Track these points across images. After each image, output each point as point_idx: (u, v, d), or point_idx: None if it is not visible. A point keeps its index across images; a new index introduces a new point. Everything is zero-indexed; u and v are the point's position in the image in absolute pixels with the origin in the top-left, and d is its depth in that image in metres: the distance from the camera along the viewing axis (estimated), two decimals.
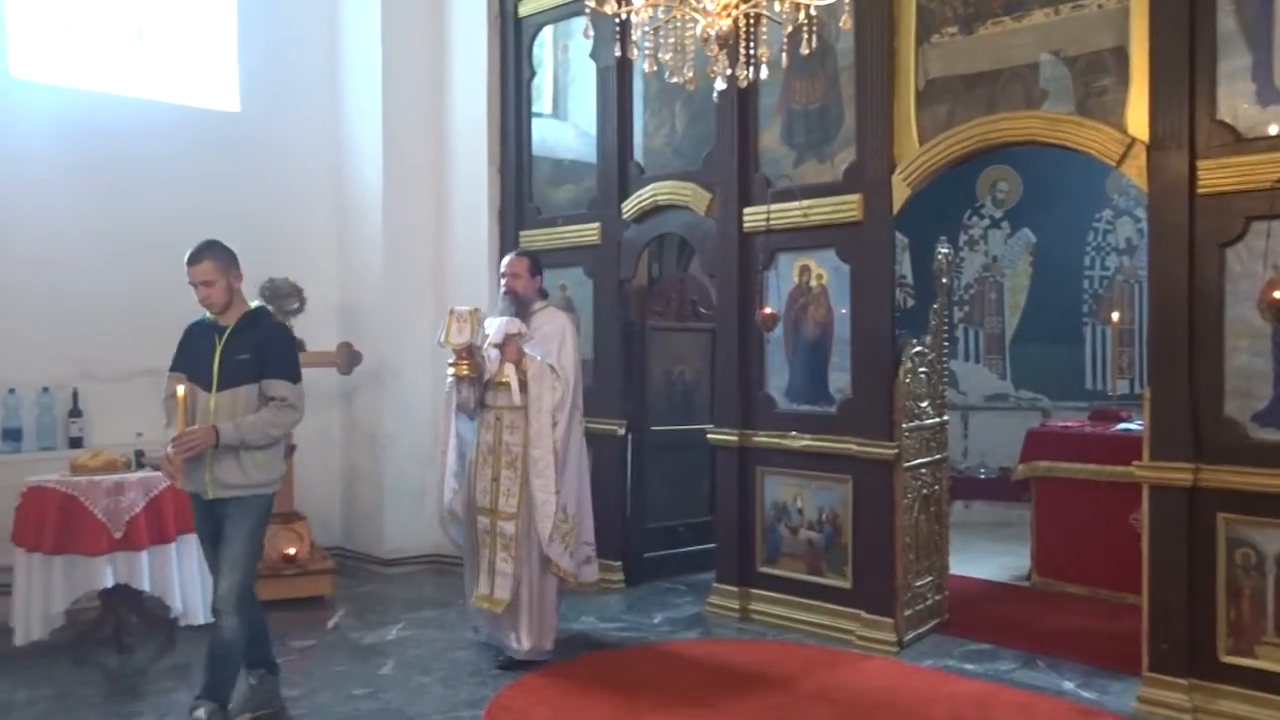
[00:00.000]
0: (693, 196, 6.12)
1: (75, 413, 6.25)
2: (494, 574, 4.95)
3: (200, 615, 5.45)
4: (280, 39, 7.31)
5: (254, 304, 4.32)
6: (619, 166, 6.56)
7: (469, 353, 4.89)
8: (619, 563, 6.58)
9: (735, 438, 5.87)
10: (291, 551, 6.23)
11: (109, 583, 5.23)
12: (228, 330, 4.14)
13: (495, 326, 4.98)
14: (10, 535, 5.27)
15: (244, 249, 6.71)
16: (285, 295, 6.43)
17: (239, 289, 4.22)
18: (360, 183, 7.43)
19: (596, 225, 6.68)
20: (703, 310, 7.11)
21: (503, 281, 5.20)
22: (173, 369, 4.24)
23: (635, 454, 6.69)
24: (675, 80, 3.36)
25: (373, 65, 7.27)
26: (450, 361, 4.98)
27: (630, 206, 6.48)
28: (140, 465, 5.56)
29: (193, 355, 4.18)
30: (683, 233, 6.49)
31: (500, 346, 4.92)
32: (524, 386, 4.91)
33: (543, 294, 5.31)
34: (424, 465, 7.29)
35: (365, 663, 5.14)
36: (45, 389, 6.17)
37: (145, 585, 5.32)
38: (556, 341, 5.05)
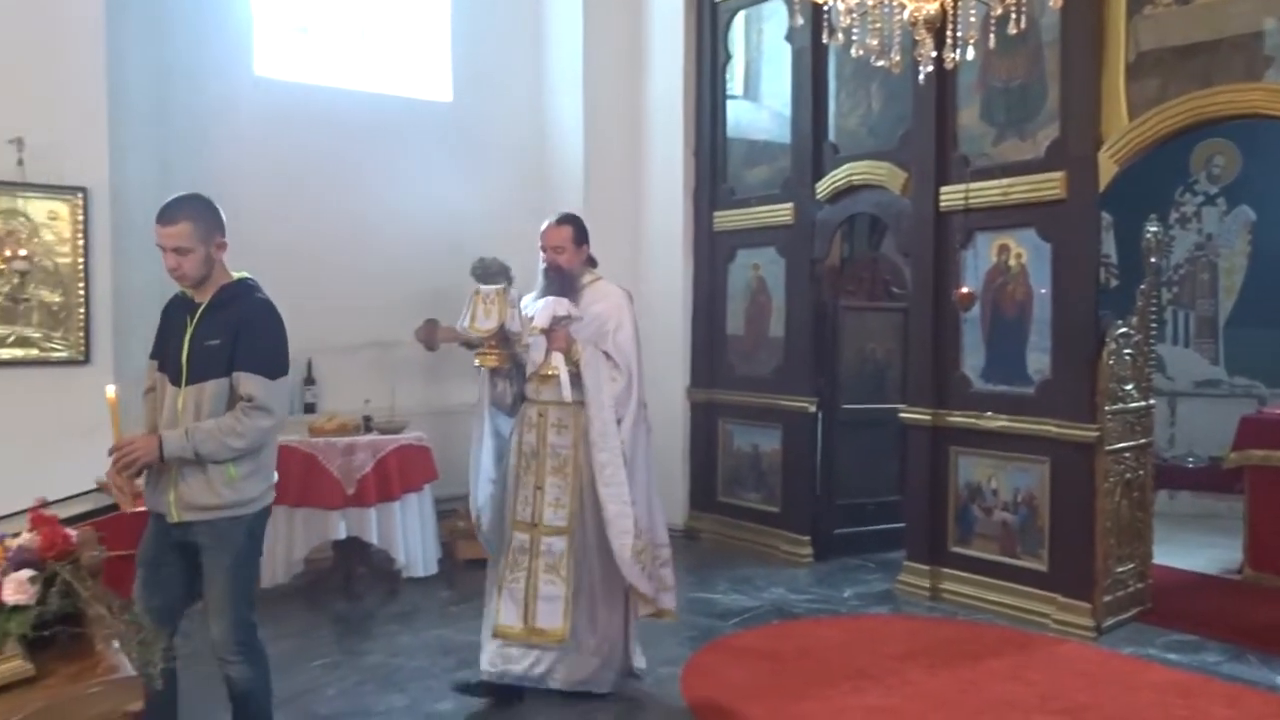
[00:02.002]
0: (888, 176, 6.13)
1: (309, 381, 6.86)
2: (534, 601, 4.12)
3: (421, 568, 5.94)
4: (489, 32, 7.73)
5: (238, 274, 3.31)
6: (813, 147, 6.63)
7: (499, 339, 4.11)
8: (807, 537, 6.70)
9: (928, 417, 5.87)
10: None
11: (341, 535, 5.77)
12: (200, 308, 3.20)
13: (539, 308, 4.16)
14: None
15: (453, 229, 7.32)
16: (494, 274, 6.72)
17: (221, 259, 3.25)
18: (561, 165, 7.78)
19: (790, 205, 6.78)
20: (895, 290, 7.11)
21: (543, 256, 4.36)
22: (151, 355, 3.40)
23: (826, 432, 6.78)
24: (880, 64, 3.44)
25: (574, 53, 7.59)
26: (477, 350, 4.22)
27: (824, 186, 6.55)
28: (368, 429, 6.07)
29: (165, 339, 3.32)
30: (877, 212, 6.51)
31: (547, 332, 4.12)
32: (575, 379, 4.13)
33: (591, 263, 4.45)
34: None
35: None
36: None
37: (373, 538, 5.84)
38: (613, 322, 4.22)
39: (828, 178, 6.53)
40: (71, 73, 5.00)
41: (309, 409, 6.79)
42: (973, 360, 5.77)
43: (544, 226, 4.39)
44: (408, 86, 7.51)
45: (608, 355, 4.16)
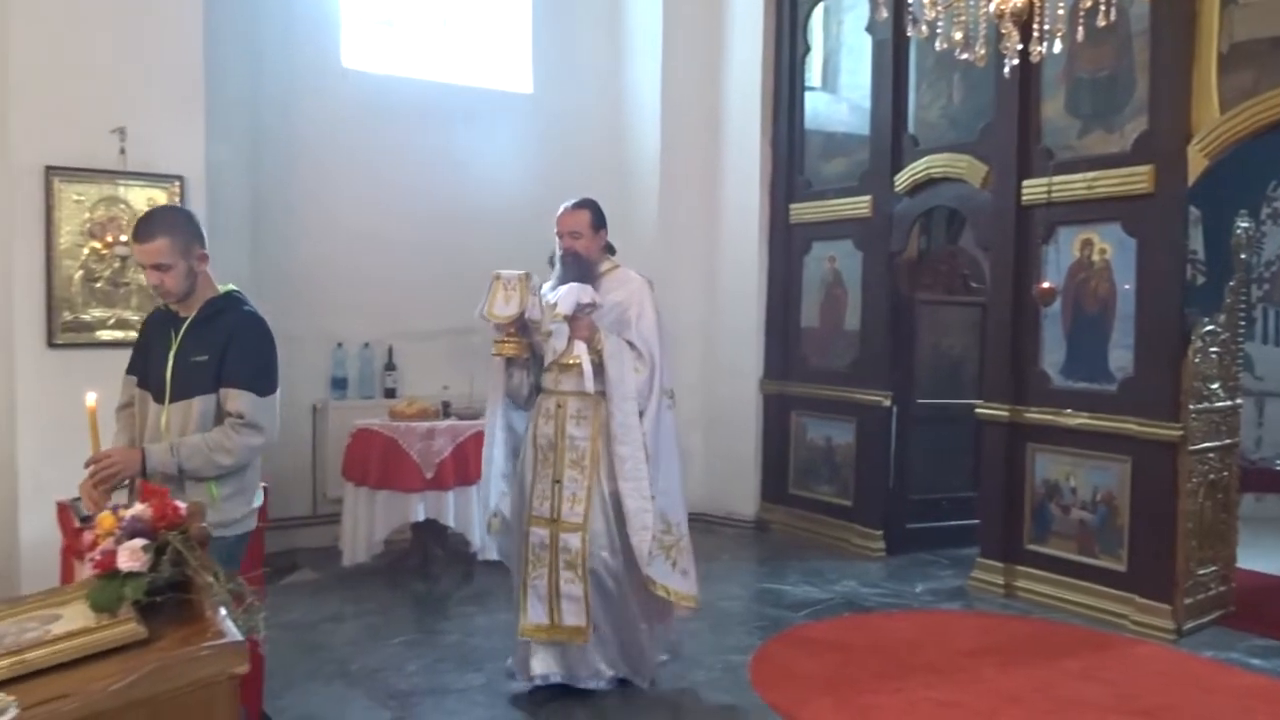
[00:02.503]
0: (968, 169, 6.07)
1: (390, 366, 7.02)
2: (557, 598, 4.04)
3: (495, 552, 6.03)
4: (569, 22, 7.80)
5: (225, 287, 3.18)
6: (892, 139, 6.58)
7: (518, 327, 4.01)
8: (879, 531, 6.68)
9: (1005, 413, 5.81)
10: None
11: (420, 517, 5.91)
12: (186, 323, 3.06)
13: (560, 295, 3.97)
14: (341, 470, 6.05)
15: (532, 218, 7.39)
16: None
17: (205, 272, 3.10)
18: (638, 156, 7.83)
19: (868, 198, 6.74)
20: (974, 284, 7.04)
21: (559, 242, 4.20)
22: (128, 370, 3.25)
23: (900, 426, 6.74)
24: (965, 57, 3.42)
25: (653, 45, 7.64)
26: (495, 339, 4.08)
27: (903, 179, 6.50)
28: (447, 415, 6.21)
29: (146, 354, 3.18)
30: (956, 205, 6.45)
31: (570, 320, 3.96)
32: (598, 369, 3.99)
33: (609, 250, 4.31)
34: (691, 429, 7.66)
35: None
36: (366, 344, 6.97)
37: (450, 521, 5.99)
38: (635, 310, 4.09)
39: (906, 170, 6.48)
40: (170, 66, 5.17)
41: (389, 394, 6.96)
42: (1052, 356, 5.69)
43: (560, 211, 4.22)
44: (489, 78, 7.62)
45: (631, 344, 4.03)
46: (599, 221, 4.18)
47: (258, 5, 6.36)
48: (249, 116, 6.26)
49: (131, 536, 2.07)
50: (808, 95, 7.38)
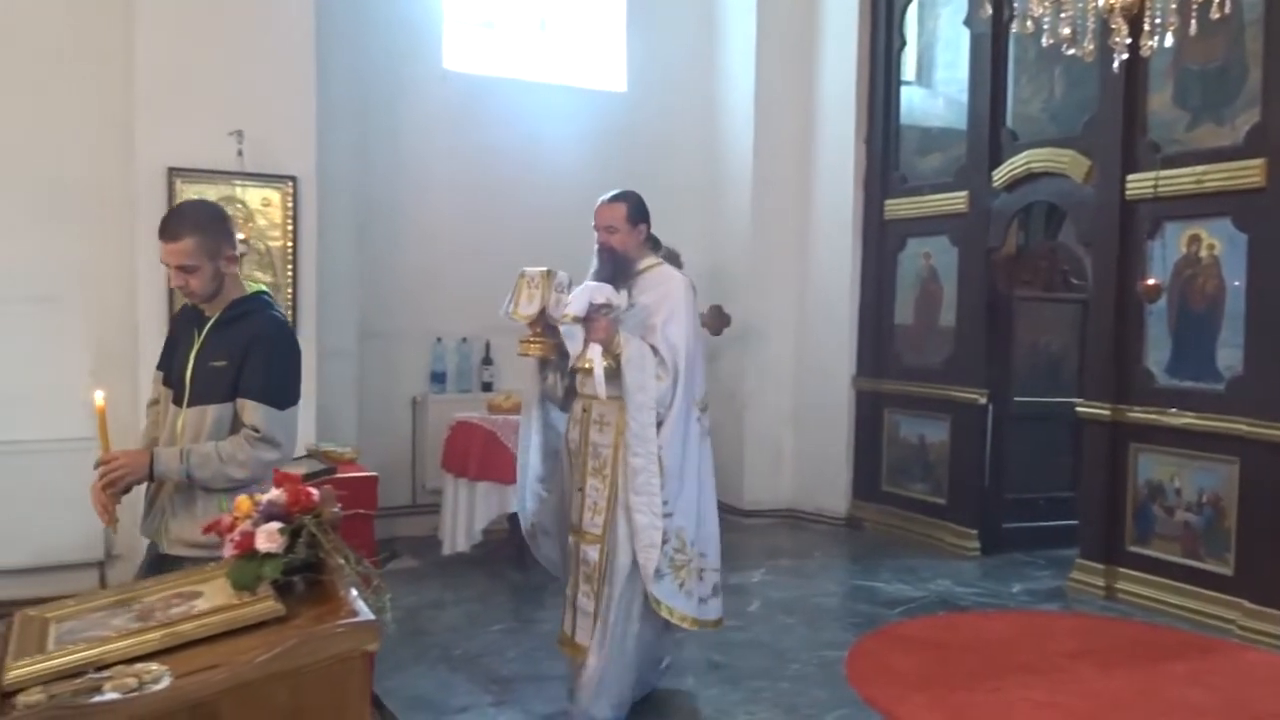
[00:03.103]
0: (1070, 163, 5.96)
1: (487, 361, 7.19)
2: (575, 611, 3.94)
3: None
4: (663, 21, 7.87)
5: (253, 288, 2.99)
6: (990, 133, 6.50)
7: (545, 327, 3.81)
8: (974, 531, 6.61)
9: (1107, 412, 5.71)
10: None
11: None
12: (209, 323, 2.88)
13: (574, 294, 3.73)
14: (440, 461, 6.22)
15: None
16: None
17: (233, 273, 2.91)
18: (731, 153, 7.86)
19: (964, 193, 6.67)
20: (1074, 280, 6.91)
21: (597, 237, 3.94)
22: (158, 365, 3.09)
23: (996, 424, 6.66)
24: (1072, 52, 3.39)
25: (747, 42, 7.65)
26: (521, 339, 3.92)
27: (1001, 174, 6.42)
28: None
29: (171, 351, 3.00)
30: (1056, 200, 6.34)
31: (585, 321, 3.68)
32: (613, 374, 3.70)
33: (653, 244, 4.03)
34: (782, 425, 7.71)
35: (735, 600, 5.53)
36: (464, 339, 7.14)
37: None
38: (663, 314, 3.77)
39: (1005, 165, 6.39)
40: (284, 70, 5.38)
41: (485, 388, 7.13)
42: (1157, 354, 5.57)
43: (597, 204, 3.94)
44: (584, 78, 7.73)
45: (655, 349, 3.70)
46: (637, 215, 3.87)
47: (364, 10, 6.55)
48: (355, 118, 6.45)
49: (268, 520, 2.20)
50: (903, 90, 7.32)
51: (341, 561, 2.16)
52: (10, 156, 5.24)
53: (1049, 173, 6.14)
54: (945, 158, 6.95)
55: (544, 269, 3.82)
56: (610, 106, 7.70)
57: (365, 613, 2.00)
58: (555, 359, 3.90)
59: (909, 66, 7.41)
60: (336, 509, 2.23)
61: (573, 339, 3.69)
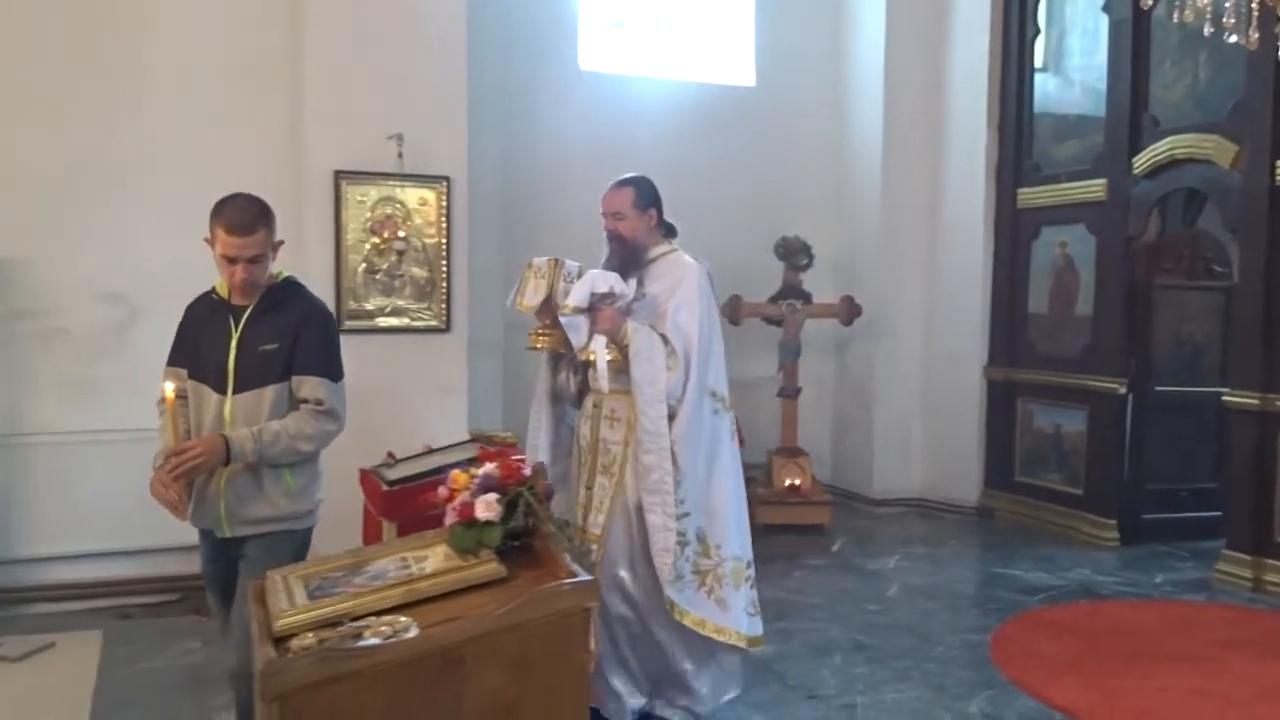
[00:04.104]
0: (1215, 149, 5.86)
1: None
2: None
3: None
4: (792, 14, 7.97)
5: (283, 274, 3.10)
6: (1130, 120, 6.42)
7: (554, 319, 3.57)
8: (1113, 521, 6.55)
9: (1256, 401, 5.61)
10: (796, 483, 6.95)
11: None
12: (247, 311, 2.98)
13: (578, 284, 3.52)
14: None
15: (755, 209, 7.64)
16: (796, 252, 7.11)
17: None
18: (859, 145, 7.91)
19: (1102, 181, 6.60)
20: (1217, 268, 6.78)
21: (604, 224, 3.77)
22: (169, 362, 3.11)
23: (1136, 414, 6.58)
24: (1233, 40, 3.40)
25: (876, 32, 7.69)
26: (529, 331, 3.73)
27: (1141, 161, 6.34)
28: None
29: (197, 345, 3.04)
30: (1201, 187, 6.24)
31: (589, 312, 3.47)
32: (621, 367, 3.50)
33: (668, 231, 3.77)
34: (911, 414, 7.75)
35: (872, 584, 5.69)
36: None
37: None
38: (675, 301, 3.52)
39: (1146, 152, 6.31)
40: (439, 75, 5.66)
41: None
42: None
43: (606, 190, 3.77)
44: (713, 73, 7.88)
45: (665, 339, 3.47)
46: (645, 200, 3.66)
47: (505, 14, 6.82)
48: (498, 119, 6.71)
49: (484, 491, 2.43)
50: (1037, 77, 7.27)
51: (554, 529, 2.38)
52: (186, 162, 5.64)
53: (1193, 159, 6.05)
54: (1082, 145, 6.88)
55: (551, 258, 3.63)
56: (739, 101, 7.84)
57: (583, 574, 2.20)
58: (566, 352, 3.67)
59: (1044, 53, 7.34)
60: (548, 481, 2.44)
61: (576, 330, 3.49)
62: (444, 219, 5.72)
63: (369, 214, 5.59)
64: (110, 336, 5.43)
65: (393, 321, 5.67)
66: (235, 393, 2.93)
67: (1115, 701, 4.08)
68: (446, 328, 5.77)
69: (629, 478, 3.53)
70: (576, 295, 3.46)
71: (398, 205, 5.64)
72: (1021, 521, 7.12)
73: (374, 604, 2.18)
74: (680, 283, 3.57)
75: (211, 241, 2.93)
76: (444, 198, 5.71)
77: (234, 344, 2.96)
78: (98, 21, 5.45)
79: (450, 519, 2.45)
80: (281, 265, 3.11)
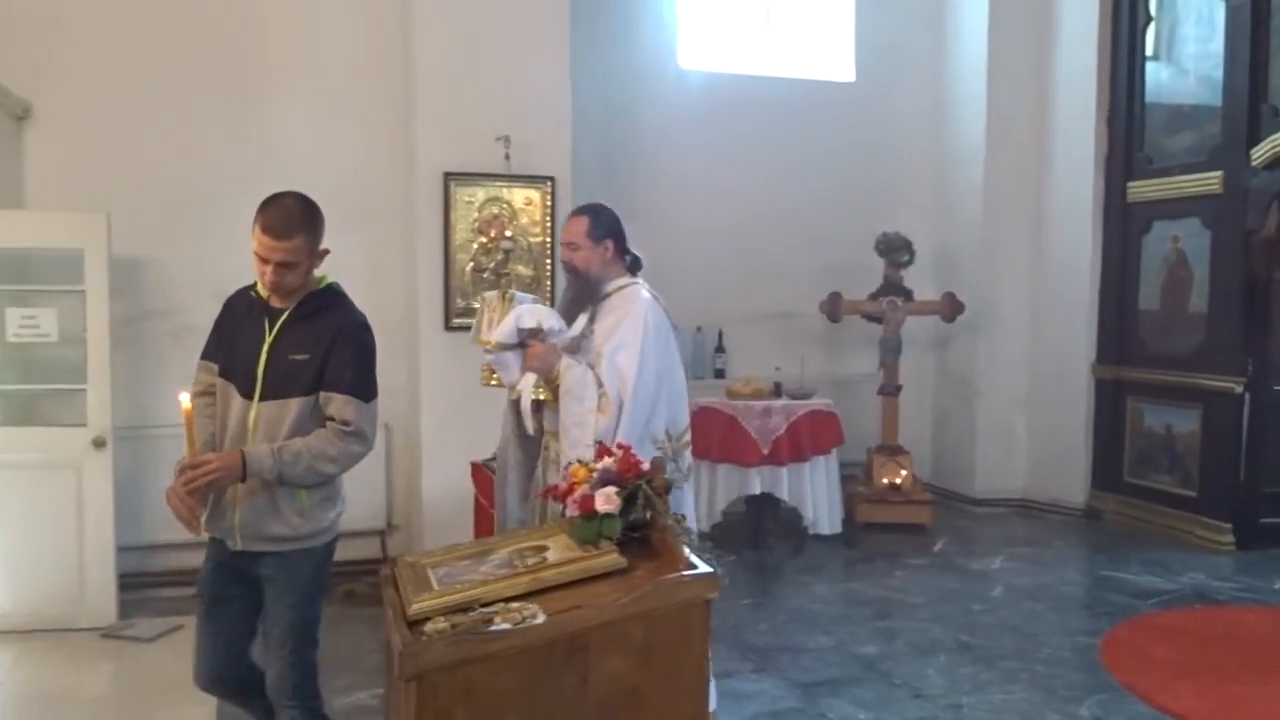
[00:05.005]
0: None
1: (720, 349, 7.46)
2: None
3: (826, 527, 6.35)
4: (893, 8, 7.89)
5: (325, 280, 2.93)
6: (1248, 110, 6.21)
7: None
8: (1229, 525, 6.35)
9: None
10: (896, 481, 6.90)
11: (756, 490, 6.30)
12: (284, 315, 2.83)
13: (506, 320, 3.31)
14: None
15: (854, 205, 7.62)
16: (897, 248, 7.06)
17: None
18: (962, 139, 7.80)
19: (1218, 174, 6.40)
20: None
21: (561, 254, 3.58)
22: (203, 356, 2.98)
23: (1253, 414, 6.37)
24: None
25: (979, 22, 7.58)
26: (483, 365, 3.50)
27: (1260, 152, 6.13)
28: (779, 394, 6.54)
29: (232, 342, 2.90)
30: None
31: (516, 348, 3.30)
32: (542, 405, 3.32)
33: (631, 264, 3.52)
34: (1015, 413, 7.62)
35: (976, 584, 5.63)
36: (698, 329, 7.43)
37: (784, 495, 6.33)
38: (614, 341, 3.26)
39: (1265, 143, 6.09)
40: (544, 77, 5.78)
41: (718, 374, 7.39)
42: None
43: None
44: (812, 69, 7.85)
45: (601, 382, 3.22)
46: (601, 231, 3.44)
47: (606, 14, 6.92)
48: (600, 119, 6.80)
49: (603, 484, 2.50)
50: (1147, 66, 7.07)
51: (672, 522, 2.44)
52: (303, 164, 5.85)
53: None
54: (1196, 137, 6.67)
55: (501, 291, 3.47)
56: (838, 96, 7.80)
57: (703, 566, 2.26)
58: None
59: (1156, 42, 7.14)
60: (666, 476, 2.51)
61: (504, 368, 3.35)
62: (548, 218, 5.84)
63: (476, 214, 5.74)
64: None
65: None
66: (262, 399, 2.78)
67: (1232, 709, 3.98)
68: None
69: None
70: (502, 331, 3.29)
71: (504, 205, 5.78)
72: (1131, 524, 6.95)
73: (501, 591, 2.26)
74: (624, 319, 3.29)
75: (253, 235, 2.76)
76: (548, 197, 5.83)
77: (266, 348, 2.80)
78: (221, 31, 5.74)
79: (571, 511, 2.52)
80: (326, 270, 2.92)
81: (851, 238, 7.41)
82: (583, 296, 3.44)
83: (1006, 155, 7.55)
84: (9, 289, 4.93)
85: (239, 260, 5.60)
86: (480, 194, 5.74)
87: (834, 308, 7.05)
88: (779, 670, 4.38)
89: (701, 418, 6.38)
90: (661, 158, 7.31)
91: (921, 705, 4.03)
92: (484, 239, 5.76)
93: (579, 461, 2.63)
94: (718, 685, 3.62)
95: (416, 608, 2.24)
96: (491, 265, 5.77)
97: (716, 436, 6.24)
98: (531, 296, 3.49)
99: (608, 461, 2.55)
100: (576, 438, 3.15)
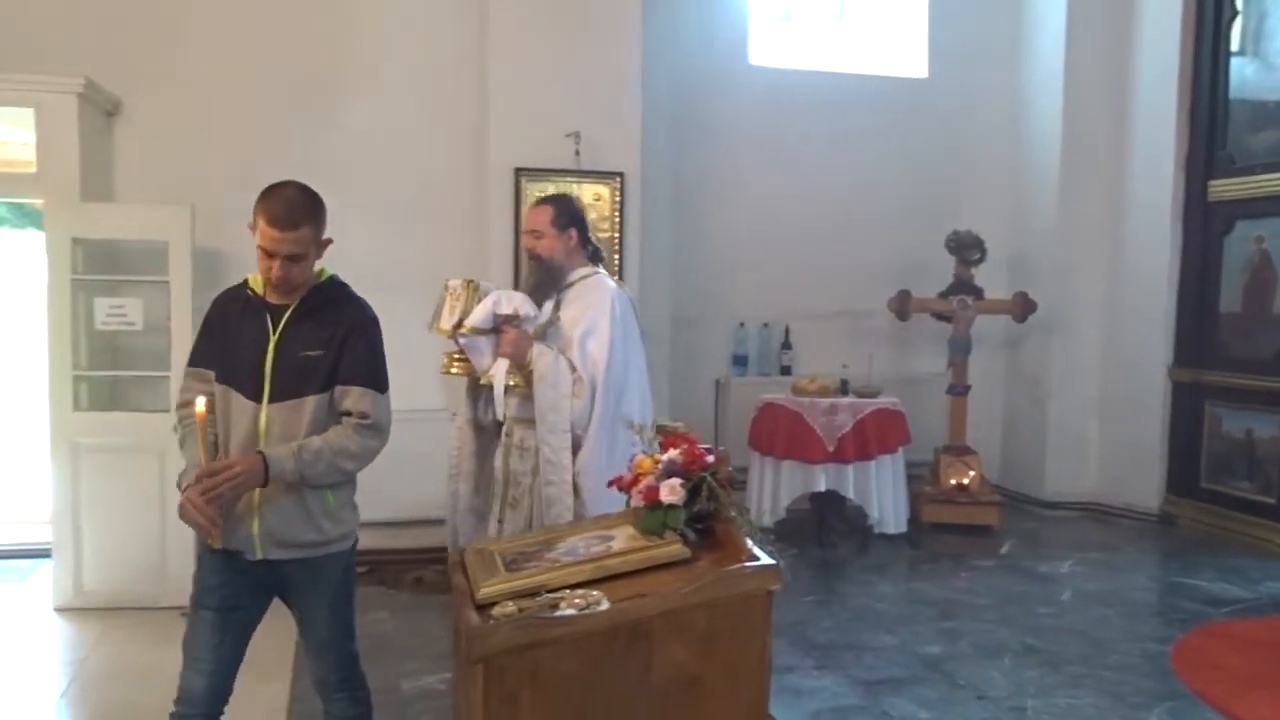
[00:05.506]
0: None
1: (786, 345, 7.44)
2: None
3: (892, 526, 6.31)
4: (966, 4, 7.79)
5: (325, 272, 2.81)
6: None
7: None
8: None
9: None
10: (964, 482, 6.82)
11: (821, 487, 6.28)
12: (288, 311, 2.71)
13: (481, 305, 3.30)
14: (746, 440, 6.53)
15: (926, 203, 7.56)
16: (969, 246, 6.98)
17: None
18: (1037, 135, 7.67)
19: None
20: None
21: (524, 242, 3.62)
22: (192, 362, 2.82)
23: None
24: None
25: (1057, 17, 7.43)
26: (444, 354, 3.50)
27: None
28: (846, 392, 6.51)
29: (228, 345, 2.74)
30: None
31: (489, 333, 3.30)
32: (525, 393, 3.34)
33: (593, 256, 3.59)
34: (1087, 415, 7.49)
35: (1044, 588, 5.55)
36: (765, 325, 7.42)
37: (849, 493, 6.30)
38: (583, 326, 3.36)
39: None
40: (614, 73, 5.85)
41: (784, 371, 7.38)
42: None
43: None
44: (883, 65, 7.79)
45: (573, 366, 3.31)
46: (566, 220, 3.49)
47: (677, 11, 6.93)
48: (670, 115, 6.83)
49: (668, 476, 2.53)
50: (1232, 62, 6.89)
51: (736, 514, 2.46)
52: (381, 160, 6.00)
53: None
54: None
55: (465, 279, 3.41)
56: (911, 92, 7.73)
57: (766, 558, 2.28)
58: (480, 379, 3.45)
59: (1241, 37, 6.95)
60: (730, 468, 2.53)
61: (477, 353, 3.34)
62: (617, 213, 5.90)
63: None
64: None
65: None
66: (272, 401, 2.65)
67: None
68: None
69: (535, 511, 3.35)
70: (477, 316, 3.28)
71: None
72: (1206, 530, 6.78)
73: (567, 578, 2.31)
74: (590, 308, 3.38)
75: (253, 229, 2.64)
76: (617, 193, 5.89)
77: (272, 348, 2.67)
78: (305, 32, 5.91)
79: (636, 501, 2.56)
80: (325, 263, 2.80)
81: (921, 235, 7.34)
82: (546, 284, 3.49)
83: (1083, 152, 7.41)
84: (98, 279, 5.12)
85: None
86: (550, 189, 5.79)
87: (903, 306, 6.99)
88: (841, 668, 4.37)
89: (767, 414, 6.40)
90: (732, 154, 7.32)
91: (985, 707, 3.99)
92: None
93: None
94: (778, 681, 3.65)
95: (485, 592, 2.30)
96: None
97: (782, 433, 6.23)
98: (495, 285, 3.48)
99: (673, 453, 2.58)
100: (553, 422, 3.26)
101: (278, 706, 3.88)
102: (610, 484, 2.77)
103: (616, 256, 5.91)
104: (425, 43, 6.03)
